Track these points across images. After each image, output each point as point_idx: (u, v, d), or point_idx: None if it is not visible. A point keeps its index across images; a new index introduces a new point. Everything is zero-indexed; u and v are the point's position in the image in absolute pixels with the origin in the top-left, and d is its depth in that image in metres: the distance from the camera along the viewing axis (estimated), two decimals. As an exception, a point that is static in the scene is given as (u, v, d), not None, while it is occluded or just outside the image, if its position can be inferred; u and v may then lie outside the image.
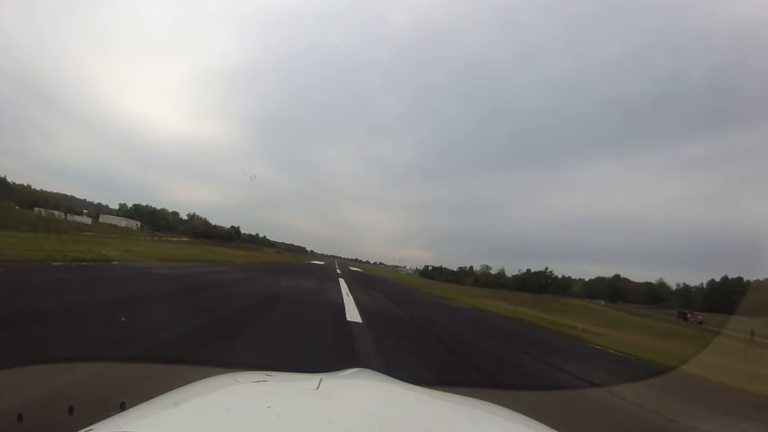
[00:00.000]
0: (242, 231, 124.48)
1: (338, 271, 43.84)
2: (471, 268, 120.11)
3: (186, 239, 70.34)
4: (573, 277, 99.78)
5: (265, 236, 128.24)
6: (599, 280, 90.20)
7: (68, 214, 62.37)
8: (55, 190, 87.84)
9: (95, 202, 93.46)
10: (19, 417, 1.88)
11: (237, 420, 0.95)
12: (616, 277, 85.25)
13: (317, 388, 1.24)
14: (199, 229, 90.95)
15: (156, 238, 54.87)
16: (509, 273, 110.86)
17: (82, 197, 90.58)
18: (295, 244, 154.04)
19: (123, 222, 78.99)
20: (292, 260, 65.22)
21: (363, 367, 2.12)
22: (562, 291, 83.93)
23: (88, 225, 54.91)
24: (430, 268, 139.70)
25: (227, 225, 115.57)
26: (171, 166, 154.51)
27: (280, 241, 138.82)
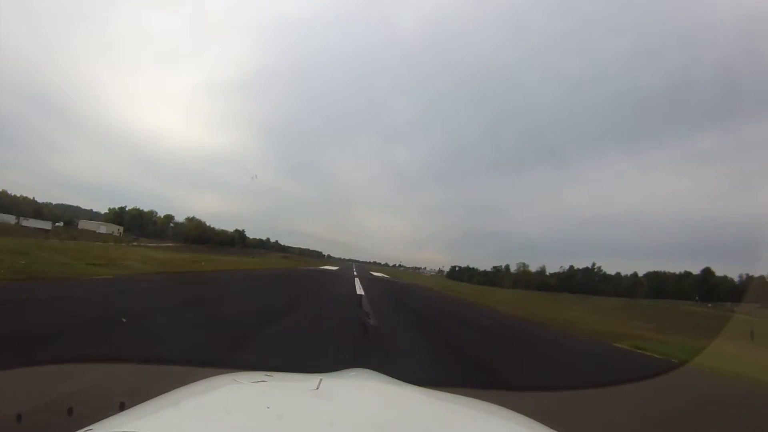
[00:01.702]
0: (253, 237, 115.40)
1: (360, 288, 22.63)
2: (507, 267, 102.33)
3: (170, 245, 65.69)
4: (621, 273, 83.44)
5: (277, 241, 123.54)
6: (656, 275, 75.05)
7: (22, 218, 60.94)
8: (61, 202, 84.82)
9: (102, 212, 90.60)
10: (19, 417, 1.89)
11: (236, 420, 0.96)
12: (706, 270, 66.22)
13: (317, 388, 1.24)
14: (191, 234, 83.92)
15: (123, 243, 47.42)
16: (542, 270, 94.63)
17: (88, 208, 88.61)
18: (312, 249, 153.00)
19: (102, 227, 76.21)
20: (291, 266, 52.83)
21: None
22: (632, 293, 70.73)
23: (47, 230, 54.45)
24: (456, 268, 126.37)
25: (241, 231, 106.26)
26: (186, 177, 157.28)
27: (296, 246, 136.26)
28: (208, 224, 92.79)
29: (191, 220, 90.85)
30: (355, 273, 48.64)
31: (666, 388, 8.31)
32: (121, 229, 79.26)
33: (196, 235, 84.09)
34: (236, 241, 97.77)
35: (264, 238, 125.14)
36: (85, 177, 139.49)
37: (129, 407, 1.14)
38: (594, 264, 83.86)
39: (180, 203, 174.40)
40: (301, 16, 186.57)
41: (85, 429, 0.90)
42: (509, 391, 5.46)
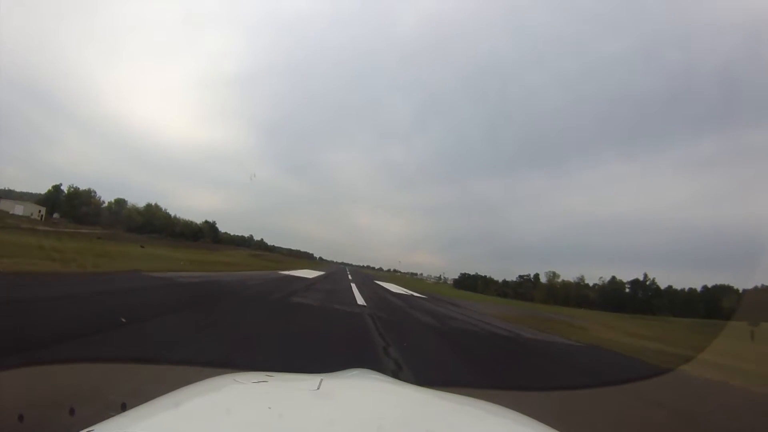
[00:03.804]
0: (236, 233, 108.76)
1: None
2: (537, 276, 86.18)
3: (85, 231, 51.66)
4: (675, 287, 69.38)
5: (262, 239, 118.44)
6: (724, 290, 61.67)
7: None
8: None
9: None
10: (20, 417, 1.91)
11: (238, 420, 0.99)
12: None
13: (318, 388, 1.27)
14: (134, 220, 71.10)
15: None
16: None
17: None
18: (302, 250, 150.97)
19: (18, 208, 65.43)
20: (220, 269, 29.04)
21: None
22: (696, 311, 58.34)
23: None
24: (465, 276, 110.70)
25: (212, 223, 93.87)
26: (178, 172, 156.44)
27: (285, 246, 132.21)
28: (168, 212, 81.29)
29: (153, 207, 78.34)
30: (356, 293, 22.45)
31: None
32: (44, 210, 68.81)
33: (145, 222, 72.31)
34: (202, 234, 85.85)
35: (247, 235, 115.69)
36: (75, 169, 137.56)
37: (130, 408, 1.16)
38: (646, 275, 70.03)
39: (171, 199, 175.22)
40: (298, 13, 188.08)
41: (87, 430, 0.91)
42: (509, 390, 5.46)
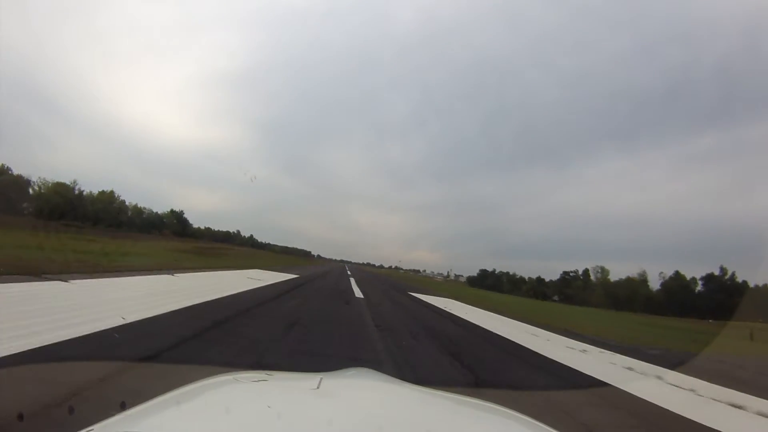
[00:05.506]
0: (218, 229, 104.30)
1: None
2: (586, 272, 72.42)
3: None
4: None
5: (252, 236, 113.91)
6: None
7: None
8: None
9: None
10: (20, 416, 1.91)
11: (237, 420, 1.00)
12: None
13: (317, 387, 1.28)
14: (60, 207, 57.00)
15: None
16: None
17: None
18: (299, 247, 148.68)
19: None
20: None
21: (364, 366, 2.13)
22: None
23: None
24: (485, 272, 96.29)
25: (178, 212, 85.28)
26: (175, 172, 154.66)
27: (282, 244, 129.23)
28: (122, 200, 69.84)
29: (105, 194, 65.98)
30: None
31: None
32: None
33: (65, 204, 57.82)
34: (162, 225, 73.83)
35: (233, 231, 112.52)
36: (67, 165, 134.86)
37: (130, 407, 1.16)
38: (723, 269, 54.98)
39: (172, 200, 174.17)
40: (294, 9, 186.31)
41: (87, 429, 0.91)
42: (509, 390, 5.44)
